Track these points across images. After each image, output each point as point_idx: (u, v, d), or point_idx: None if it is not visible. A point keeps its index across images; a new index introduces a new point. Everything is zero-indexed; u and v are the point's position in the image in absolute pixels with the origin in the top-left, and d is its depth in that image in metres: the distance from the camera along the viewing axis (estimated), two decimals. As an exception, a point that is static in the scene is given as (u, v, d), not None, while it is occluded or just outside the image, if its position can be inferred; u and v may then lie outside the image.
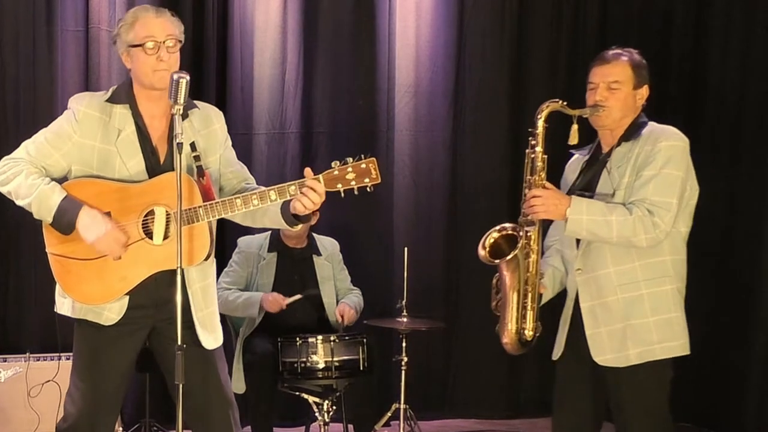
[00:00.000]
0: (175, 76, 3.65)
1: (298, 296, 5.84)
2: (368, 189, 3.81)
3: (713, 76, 6.48)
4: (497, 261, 4.06)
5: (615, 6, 7.06)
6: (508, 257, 4.02)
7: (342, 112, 6.89)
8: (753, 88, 6.19)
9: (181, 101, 3.64)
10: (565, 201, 3.96)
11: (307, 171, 3.80)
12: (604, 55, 4.12)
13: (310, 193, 3.75)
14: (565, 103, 4.05)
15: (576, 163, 4.30)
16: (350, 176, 3.76)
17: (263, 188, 3.83)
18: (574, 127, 4.07)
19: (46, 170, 3.85)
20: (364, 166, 3.78)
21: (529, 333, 4.14)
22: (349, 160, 3.78)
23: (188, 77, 3.67)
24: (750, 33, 6.26)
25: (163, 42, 3.85)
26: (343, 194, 3.80)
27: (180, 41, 3.93)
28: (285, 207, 3.88)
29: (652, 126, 4.08)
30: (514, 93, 7.02)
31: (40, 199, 3.77)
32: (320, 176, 3.77)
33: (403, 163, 6.93)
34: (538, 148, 4.04)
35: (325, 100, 6.86)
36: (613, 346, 4.01)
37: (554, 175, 4.19)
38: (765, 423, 5.92)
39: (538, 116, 4.05)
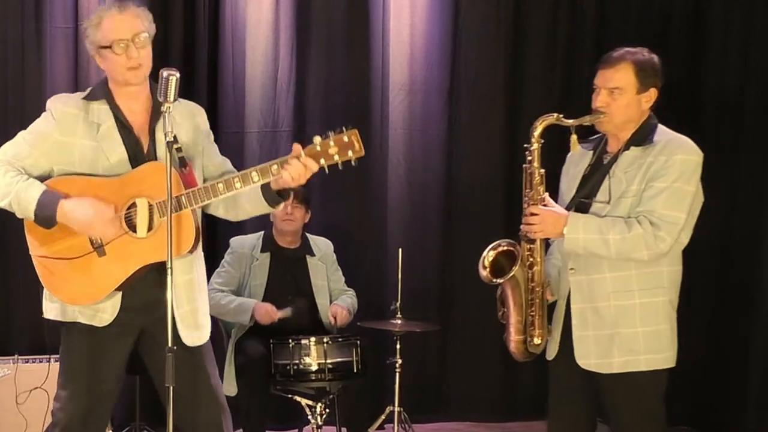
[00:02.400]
0: (165, 74, 3.60)
1: (288, 313, 5.79)
2: (352, 162, 3.68)
3: (712, 76, 6.45)
4: (499, 280, 4.07)
5: (612, 1, 6.98)
6: (508, 276, 4.04)
7: (335, 111, 6.80)
8: (752, 89, 6.16)
9: (171, 99, 3.60)
10: (562, 219, 3.94)
11: (296, 146, 3.73)
12: (609, 57, 4.02)
13: (294, 163, 3.67)
14: (561, 115, 4.00)
15: (578, 155, 4.20)
16: (332, 150, 3.66)
17: (244, 170, 3.76)
18: (573, 137, 4.03)
19: (25, 170, 3.83)
20: (346, 139, 3.66)
21: (536, 340, 4.14)
22: (331, 133, 3.68)
23: (178, 74, 3.63)
24: (749, 33, 6.23)
25: (131, 39, 3.81)
26: (327, 170, 3.70)
27: (149, 34, 3.89)
28: (266, 186, 3.81)
29: (666, 133, 4.01)
30: (510, 90, 6.96)
31: (18, 197, 3.75)
32: (302, 152, 3.68)
33: (397, 162, 6.87)
34: (535, 164, 4.02)
35: (318, 98, 6.79)
36: (599, 351, 3.98)
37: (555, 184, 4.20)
38: (764, 427, 5.89)
39: (533, 132, 4.02)
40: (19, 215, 3.82)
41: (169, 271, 3.54)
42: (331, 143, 3.66)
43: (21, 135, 3.90)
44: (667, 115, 4.10)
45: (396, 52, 6.80)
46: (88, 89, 3.98)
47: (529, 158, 4.03)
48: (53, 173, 3.87)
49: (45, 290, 3.92)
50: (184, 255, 3.85)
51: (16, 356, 5.84)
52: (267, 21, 6.63)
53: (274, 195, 3.84)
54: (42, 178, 3.84)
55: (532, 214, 3.98)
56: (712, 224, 5.77)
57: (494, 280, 4.09)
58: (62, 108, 3.86)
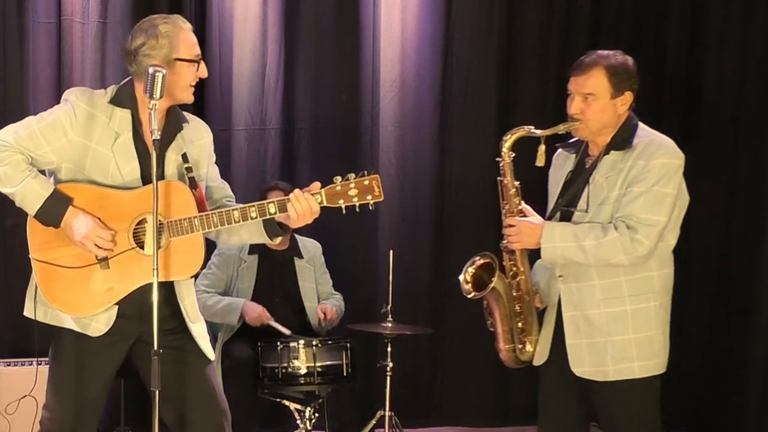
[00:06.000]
0: (151, 70, 3.56)
1: (287, 331, 5.70)
2: (370, 206, 3.80)
3: (709, 75, 6.39)
4: (478, 294, 4.12)
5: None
6: (487, 289, 4.08)
7: (324, 108, 6.76)
8: (751, 87, 6.10)
9: (157, 96, 3.56)
10: (538, 230, 3.95)
11: (315, 185, 3.80)
12: (581, 62, 3.99)
13: (296, 204, 3.74)
14: (531, 127, 4.01)
15: (563, 158, 4.21)
16: (353, 192, 3.77)
17: (261, 202, 3.79)
18: (542, 148, 4.01)
19: (33, 159, 3.76)
20: (367, 182, 3.77)
21: (528, 347, 4.17)
22: (351, 176, 3.77)
23: (165, 71, 3.58)
24: (747, 32, 6.18)
25: (201, 57, 3.88)
26: (344, 210, 3.79)
27: None
28: (267, 219, 3.84)
29: (647, 134, 3.97)
30: (504, 87, 6.88)
31: (24, 192, 3.70)
32: (322, 191, 3.77)
33: (388, 161, 6.79)
34: (508, 177, 4.06)
35: (307, 95, 6.73)
36: (593, 359, 3.96)
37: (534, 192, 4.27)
38: (764, 430, 5.84)
39: (503, 146, 4.05)
40: (18, 205, 3.76)
41: (155, 272, 3.53)
42: (352, 185, 3.76)
43: (36, 123, 3.77)
44: (665, 114, 4.03)
45: (387, 48, 6.74)
46: (110, 90, 3.88)
47: (501, 171, 4.06)
48: (61, 171, 3.79)
49: (37, 292, 3.84)
50: (192, 276, 3.89)
51: (-2, 359, 5.80)
52: (255, 16, 6.56)
53: (275, 227, 3.89)
54: (47, 172, 3.82)
55: (509, 226, 4.02)
56: (710, 230, 5.75)
57: (474, 294, 4.14)
58: (86, 108, 3.77)
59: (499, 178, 4.07)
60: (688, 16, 6.56)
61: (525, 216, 4.03)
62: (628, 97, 3.95)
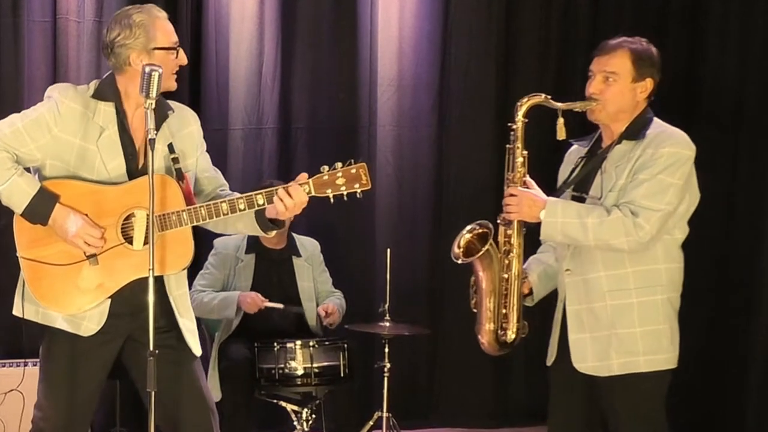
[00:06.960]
0: (147, 69, 3.54)
1: (280, 305, 5.67)
2: (358, 195, 3.81)
3: (709, 75, 6.38)
4: (468, 259, 4.02)
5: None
6: (478, 254, 3.98)
7: (322, 107, 6.75)
8: (751, 85, 6.10)
9: (153, 95, 3.55)
10: (540, 203, 3.88)
11: (302, 176, 3.80)
12: (606, 43, 3.97)
13: (285, 199, 3.74)
14: (549, 96, 3.94)
15: (575, 154, 4.17)
16: (340, 181, 3.78)
17: (250, 193, 3.77)
18: (560, 121, 3.94)
19: (18, 157, 3.74)
20: (354, 171, 3.78)
21: (510, 334, 4.08)
22: (339, 165, 3.79)
23: (161, 70, 3.57)
24: (747, 28, 6.17)
25: (179, 45, 3.88)
26: (332, 200, 3.80)
27: None
28: (259, 212, 3.84)
29: (659, 126, 3.92)
30: (502, 85, 6.86)
31: (11, 191, 3.68)
32: (309, 181, 3.78)
33: (385, 160, 6.79)
34: (518, 144, 3.97)
35: (304, 94, 6.72)
36: (596, 354, 3.91)
37: (544, 170, 4.18)
38: (764, 431, 5.83)
39: (517, 110, 3.97)
40: (5, 203, 3.74)
41: (150, 272, 3.51)
42: (339, 174, 3.78)
43: (20, 120, 3.76)
44: (664, 113, 4.01)
45: (384, 47, 6.72)
46: (92, 85, 3.86)
47: (512, 137, 3.99)
48: (46, 168, 3.78)
49: (25, 290, 3.81)
50: (181, 270, 3.88)
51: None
52: (251, 15, 6.53)
53: (266, 222, 3.88)
54: (31, 169, 3.80)
55: (511, 195, 3.93)
56: (710, 229, 5.72)
57: (463, 260, 4.04)
58: (69, 104, 3.75)
59: (508, 146, 3.99)
60: (688, 15, 6.55)
61: (528, 188, 3.95)
62: (648, 84, 3.92)
